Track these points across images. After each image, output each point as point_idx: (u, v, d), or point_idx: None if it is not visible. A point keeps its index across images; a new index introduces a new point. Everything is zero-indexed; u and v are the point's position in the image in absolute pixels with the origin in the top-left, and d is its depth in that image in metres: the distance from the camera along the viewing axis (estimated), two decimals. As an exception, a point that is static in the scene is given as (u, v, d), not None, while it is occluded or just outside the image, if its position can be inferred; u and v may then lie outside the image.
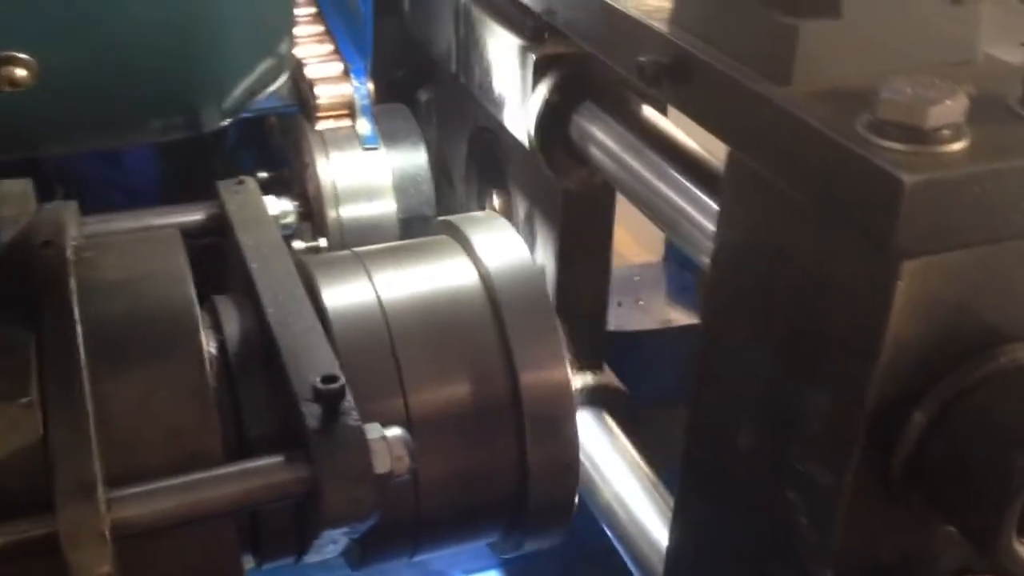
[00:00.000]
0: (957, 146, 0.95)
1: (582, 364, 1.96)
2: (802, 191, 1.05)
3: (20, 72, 0.90)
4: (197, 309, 1.28)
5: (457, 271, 1.51)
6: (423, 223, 2.24)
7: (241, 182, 1.59)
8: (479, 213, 1.72)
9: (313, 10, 2.40)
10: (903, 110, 0.94)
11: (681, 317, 2.61)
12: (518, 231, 1.97)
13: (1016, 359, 1.02)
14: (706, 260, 1.35)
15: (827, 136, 0.99)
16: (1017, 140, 0.98)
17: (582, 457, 1.74)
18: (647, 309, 2.68)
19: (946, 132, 0.95)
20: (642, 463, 1.87)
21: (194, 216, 1.57)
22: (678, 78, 1.23)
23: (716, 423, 1.30)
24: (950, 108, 0.95)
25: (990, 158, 0.94)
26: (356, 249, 1.57)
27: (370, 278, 1.47)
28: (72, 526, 1.00)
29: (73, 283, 1.23)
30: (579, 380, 1.96)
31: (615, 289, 2.74)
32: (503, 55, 1.85)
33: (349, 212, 2.18)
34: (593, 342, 2.00)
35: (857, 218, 0.97)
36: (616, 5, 1.37)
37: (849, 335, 1.03)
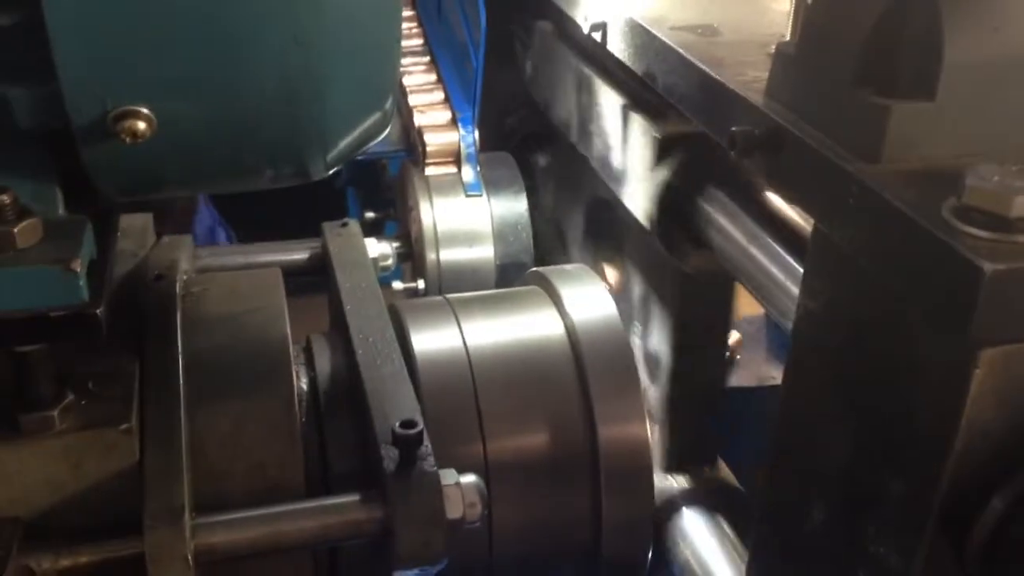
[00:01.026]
0: (1043, 236, 0.94)
1: (694, 459, 1.88)
2: (883, 271, 1.04)
3: (140, 125, 0.97)
4: (291, 348, 1.34)
5: (544, 323, 1.54)
6: (520, 270, 2.29)
7: (345, 224, 1.67)
8: (570, 266, 1.75)
9: (427, 59, 2.49)
10: (988, 198, 0.94)
11: (779, 374, 2.57)
12: (632, 308, 1.91)
13: (1100, 454, 0.99)
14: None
15: (910, 219, 0.98)
16: (1109, 232, 0.96)
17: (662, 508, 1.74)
18: (745, 364, 2.65)
19: (1032, 221, 0.94)
20: (722, 519, 1.84)
21: (298, 255, 1.65)
22: (769, 150, 1.24)
23: (790, 496, 1.29)
24: (1037, 198, 0.93)
25: (1078, 250, 0.93)
26: (448, 296, 1.62)
27: (459, 325, 1.52)
28: (157, 549, 1.06)
29: (179, 317, 1.31)
30: (689, 479, 1.86)
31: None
32: (624, 130, 1.77)
33: (448, 256, 2.24)
34: (703, 435, 1.89)
35: (936, 303, 0.96)
36: (714, 74, 1.39)
37: (924, 420, 1.02)
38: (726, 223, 1.56)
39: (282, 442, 1.27)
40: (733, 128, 1.28)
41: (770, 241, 1.45)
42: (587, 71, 1.94)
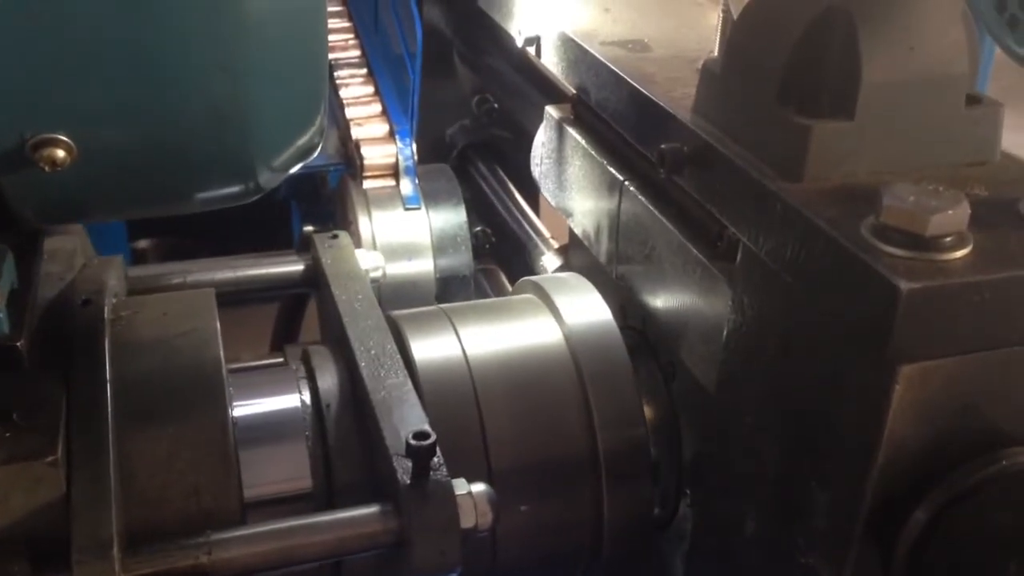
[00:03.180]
0: (959, 254, 0.96)
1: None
2: (807, 288, 1.06)
3: (60, 153, 0.95)
4: (224, 371, 1.33)
5: (541, 330, 1.55)
6: (461, 283, 2.29)
7: (335, 236, 1.66)
8: (563, 274, 1.75)
9: (364, 71, 2.48)
10: (904, 217, 0.96)
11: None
12: None
13: (1017, 463, 1.02)
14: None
15: (831, 237, 1.01)
16: (1021, 248, 0.99)
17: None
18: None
19: (948, 240, 0.96)
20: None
21: (289, 268, 1.64)
22: (697, 167, 1.25)
23: (723, 507, 1.30)
24: (952, 217, 0.96)
25: (991, 267, 0.95)
26: (443, 305, 1.62)
27: (457, 334, 1.52)
28: (87, 583, 1.04)
29: (107, 343, 1.28)
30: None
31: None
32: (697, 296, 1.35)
33: (388, 270, 2.22)
34: None
35: (856, 320, 0.98)
36: (644, 90, 1.41)
37: (848, 434, 1.04)
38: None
39: (217, 467, 1.25)
40: (662, 145, 1.29)
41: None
42: (635, 192, 1.50)
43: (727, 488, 1.30)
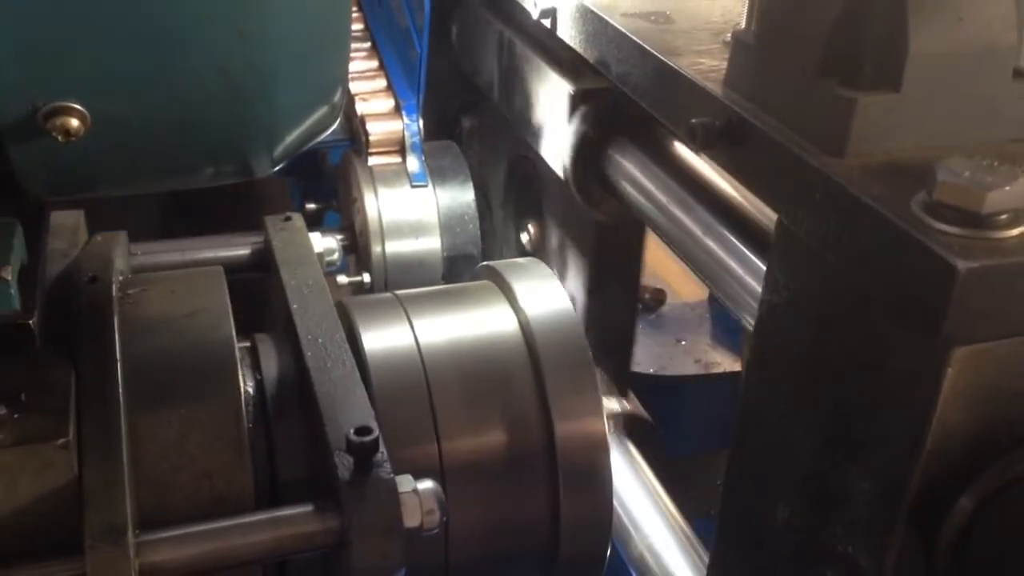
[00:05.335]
0: (1015, 232, 0.92)
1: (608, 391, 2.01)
2: (851, 267, 1.02)
3: (73, 122, 0.91)
4: (236, 351, 1.28)
5: (497, 319, 1.50)
6: (468, 261, 2.24)
7: (288, 218, 1.61)
8: (523, 260, 1.71)
9: (368, 44, 2.42)
10: (960, 193, 0.92)
11: (724, 361, 2.57)
12: (550, 259, 2.03)
13: (1069, 451, 0.98)
14: (742, 306, 1.35)
15: (880, 215, 0.96)
16: (1078, 227, 0.95)
17: (616, 504, 1.72)
18: (689, 350, 2.64)
19: (1004, 218, 0.92)
20: (676, 513, 1.84)
21: (239, 251, 1.58)
22: (730, 142, 1.21)
23: (753, 493, 1.27)
24: (1009, 193, 0.92)
25: (1049, 246, 0.92)
26: (397, 292, 1.57)
27: (410, 323, 1.47)
28: (100, 569, 1.00)
29: (116, 322, 1.24)
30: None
31: (659, 327, 2.71)
32: (541, 87, 1.88)
33: (394, 248, 2.18)
34: (619, 371, 2.05)
35: (907, 301, 0.94)
36: (671, 63, 1.36)
37: (894, 419, 1.00)
38: (635, 172, 1.67)
39: (229, 450, 1.21)
40: (693, 120, 1.25)
41: (677, 187, 1.56)
42: (508, 34, 2.01)
43: (756, 473, 1.26)
